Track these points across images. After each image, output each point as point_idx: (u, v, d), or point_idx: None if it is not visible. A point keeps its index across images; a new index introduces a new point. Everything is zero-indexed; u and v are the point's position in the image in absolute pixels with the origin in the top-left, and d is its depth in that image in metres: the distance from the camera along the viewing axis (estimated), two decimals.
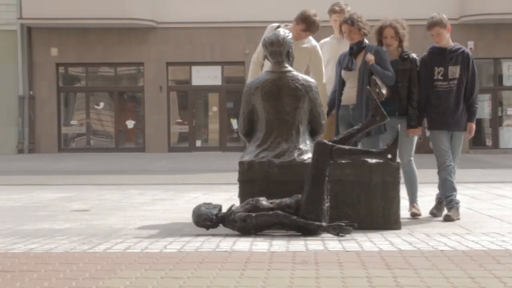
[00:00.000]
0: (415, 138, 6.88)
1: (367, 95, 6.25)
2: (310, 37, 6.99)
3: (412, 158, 6.83)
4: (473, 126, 6.97)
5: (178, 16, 23.34)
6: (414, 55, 6.72)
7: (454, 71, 6.69)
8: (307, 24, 6.74)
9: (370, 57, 6.53)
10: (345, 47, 6.87)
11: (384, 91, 6.47)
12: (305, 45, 6.86)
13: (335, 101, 6.80)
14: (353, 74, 6.63)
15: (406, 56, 6.68)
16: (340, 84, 6.76)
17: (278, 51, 6.04)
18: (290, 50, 6.11)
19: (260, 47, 6.70)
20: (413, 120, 6.71)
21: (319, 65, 6.94)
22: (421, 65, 6.73)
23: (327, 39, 7.41)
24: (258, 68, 6.88)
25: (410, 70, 6.63)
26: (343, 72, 6.70)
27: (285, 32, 6.15)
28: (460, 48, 6.83)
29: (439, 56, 6.76)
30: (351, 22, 6.61)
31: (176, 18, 23.42)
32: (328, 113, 6.79)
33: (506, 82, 24.48)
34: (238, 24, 23.20)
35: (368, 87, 6.33)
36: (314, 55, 6.92)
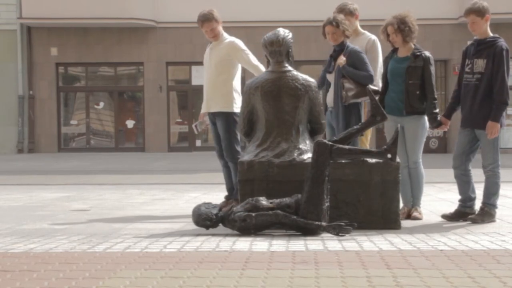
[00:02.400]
0: (424, 139, 6.64)
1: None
2: (225, 34, 7.30)
3: (419, 160, 6.61)
4: (494, 124, 6.40)
5: (178, 16, 23.32)
6: (426, 53, 6.48)
7: (480, 64, 6.27)
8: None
9: (340, 60, 6.61)
10: (360, 44, 6.92)
11: (350, 94, 6.54)
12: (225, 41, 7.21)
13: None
14: (332, 76, 6.75)
15: (418, 54, 6.47)
16: (327, 86, 6.88)
17: (278, 50, 6.04)
18: (290, 50, 6.12)
19: None
20: (432, 122, 6.40)
21: (245, 57, 7.09)
22: (462, 57, 6.50)
23: None
24: None
25: (423, 68, 6.41)
26: (327, 75, 6.83)
27: (285, 32, 6.16)
28: (493, 41, 6.31)
29: (472, 47, 6.43)
30: (336, 24, 6.68)
31: (176, 18, 23.41)
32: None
33: None
34: (238, 24, 23.19)
35: (368, 87, 6.34)
36: (232, 50, 7.14)
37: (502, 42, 6.29)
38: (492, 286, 3.48)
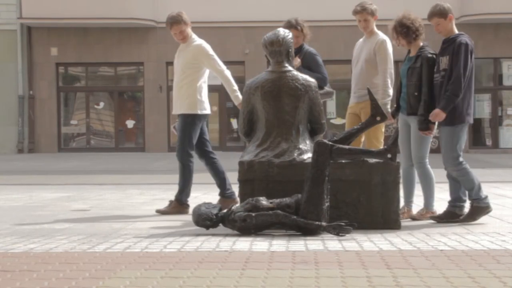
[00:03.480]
0: (428, 139, 6.38)
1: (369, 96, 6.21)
2: (194, 36, 7.32)
3: (423, 161, 6.36)
4: (439, 112, 6.11)
5: None
6: (426, 52, 6.43)
7: (444, 61, 6.30)
8: None
9: (295, 62, 6.68)
10: (369, 45, 6.94)
11: None
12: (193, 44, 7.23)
13: None
14: None
15: (419, 54, 6.46)
16: None
17: (278, 50, 6.04)
18: (290, 50, 6.12)
19: None
20: (421, 123, 6.23)
21: (210, 62, 7.16)
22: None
23: (360, 40, 7.26)
24: None
25: (421, 68, 6.38)
26: None
27: (285, 32, 6.16)
28: (455, 37, 6.32)
29: (441, 46, 6.47)
30: (295, 27, 6.81)
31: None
32: None
33: (506, 82, 24.48)
34: (238, 24, 23.20)
35: (367, 87, 6.34)
36: (198, 53, 7.18)
37: (463, 37, 6.29)
38: (492, 286, 3.48)
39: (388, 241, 5.03)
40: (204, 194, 9.07)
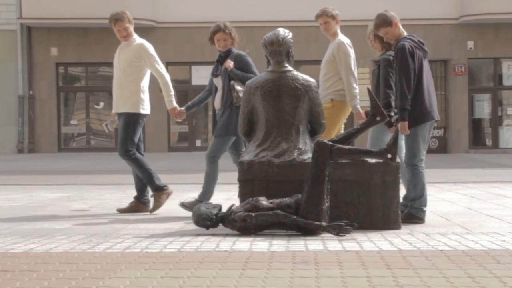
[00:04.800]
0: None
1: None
2: (136, 36, 7.41)
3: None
4: (401, 124, 6.16)
5: (178, 16, 23.33)
6: (386, 56, 6.59)
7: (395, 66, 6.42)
8: None
9: (228, 64, 6.88)
10: (330, 48, 7.14)
11: (242, 95, 6.65)
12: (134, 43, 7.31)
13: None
14: (219, 80, 6.99)
15: (380, 58, 6.67)
16: (214, 90, 7.15)
17: (278, 50, 6.04)
18: (290, 50, 6.12)
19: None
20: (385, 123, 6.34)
21: (152, 62, 7.25)
22: None
23: None
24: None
25: (378, 69, 6.59)
26: (213, 79, 7.10)
27: (285, 32, 6.16)
28: (398, 42, 6.36)
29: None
30: (223, 30, 7.00)
31: (176, 18, 23.41)
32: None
33: (506, 82, 24.49)
34: (238, 24, 23.11)
35: (367, 87, 6.35)
36: (141, 52, 7.25)
37: (401, 42, 6.28)
38: (492, 286, 3.48)
39: (388, 241, 5.03)
40: None
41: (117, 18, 7.35)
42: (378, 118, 5.93)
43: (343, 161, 5.68)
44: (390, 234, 5.41)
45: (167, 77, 7.27)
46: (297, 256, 4.36)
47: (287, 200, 5.50)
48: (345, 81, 7.08)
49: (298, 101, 5.99)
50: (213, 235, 5.41)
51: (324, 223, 5.33)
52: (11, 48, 23.38)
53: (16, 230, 5.98)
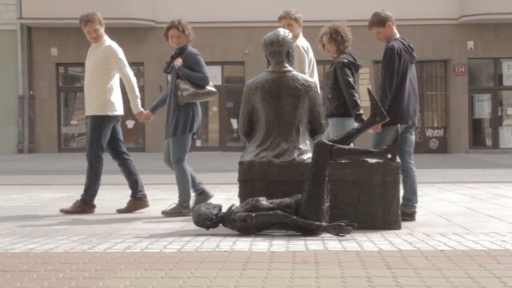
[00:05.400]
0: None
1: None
2: (106, 37, 7.51)
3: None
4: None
5: (178, 16, 23.20)
6: (340, 58, 6.69)
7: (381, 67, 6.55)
8: None
9: (177, 62, 6.96)
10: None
11: (185, 94, 6.86)
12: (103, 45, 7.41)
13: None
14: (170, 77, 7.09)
15: (334, 60, 6.81)
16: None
17: (278, 50, 6.04)
18: (290, 50, 6.12)
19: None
20: (358, 122, 6.46)
21: (120, 65, 7.30)
22: None
23: None
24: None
25: (334, 72, 6.69)
26: (169, 76, 7.17)
27: (285, 32, 6.17)
28: (389, 42, 6.53)
29: None
30: (177, 27, 7.06)
31: (176, 18, 23.41)
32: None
33: (506, 82, 24.49)
34: (238, 24, 23.19)
35: (367, 87, 6.36)
36: (110, 55, 7.33)
37: (391, 42, 6.49)
38: (492, 286, 3.48)
39: (388, 241, 5.03)
40: None
41: (87, 19, 7.38)
42: (378, 118, 5.93)
43: (343, 161, 5.68)
44: (390, 234, 5.41)
45: (134, 81, 7.31)
46: (297, 256, 4.36)
47: (287, 200, 5.50)
48: None
49: (298, 101, 5.99)
50: (213, 235, 5.41)
51: (324, 223, 5.33)
52: (11, 48, 23.38)
53: (16, 230, 5.98)
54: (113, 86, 7.34)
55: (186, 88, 6.89)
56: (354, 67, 6.67)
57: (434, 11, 23.41)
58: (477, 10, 23.15)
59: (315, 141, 5.66)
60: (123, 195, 9.19)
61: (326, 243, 4.93)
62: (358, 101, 6.49)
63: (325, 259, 4.26)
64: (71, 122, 24.35)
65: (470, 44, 23.75)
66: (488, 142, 24.22)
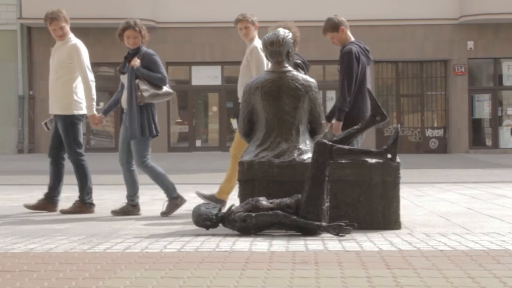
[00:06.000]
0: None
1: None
2: (71, 35, 7.43)
3: None
4: (335, 124, 6.63)
5: (178, 16, 23.34)
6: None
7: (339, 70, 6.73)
8: None
9: (135, 62, 6.96)
10: (246, 53, 7.27)
11: (146, 94, 6.88)
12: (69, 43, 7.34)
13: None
14: (126, 78, 7.09)
15: None
16: (121, 87, 7.26)
17: (278, 51, 6.04)
18: (290, 50, 6.12)
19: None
20: None
21: (82, 65, 7.27)
22: None
23: None
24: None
25: None
26: (121, 76, 7.17)
27: (285, 32, 6.16)
28: (343, 47, 6.68)
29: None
30: (133, 27, 7.05)
31: (176, 18, 23.41)
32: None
33: (506, 82, 24.50)
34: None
35: (367, 87, 6.36)
36: (74, 53, 7.28)
37: (348, 46, 6.64)
38: (492, 286, 3.48)
39: (388, 241, 5.03)
40: None
41: (53, 17, 7.37)
42: (378, 118, 5.93)
43: (343, 161, 5.68)
44: (390, 234, 5.41)
45: (92, 84, 7.33)
46: (297, 256, 4.36)
47: (287, 200, 5.50)
48: None
49: (298, 101, 5.99)
50: (213, 235, 5.41)
51: (324, 223, 5.33)
52: (11, 48, 23.38)
53: (16, 230, 5.98)
54: (78, 85, 7.37)
55: (146, 89, 6.92)
56: (306, 67, 6.83)
57: (434, 11, 23.41)
58: (477, 10, 23.16)
59: (315, 141, 5.66)
60: (123, 195, 9.17)
61: (326, 243, 4.93)
62: None
63: (325, 259, 4.26)
64: None
65: (470, 44, 23.75)
66: (488, 142, 24.22)
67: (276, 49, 6.04)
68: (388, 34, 22.81)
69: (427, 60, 24.08)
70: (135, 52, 7.09)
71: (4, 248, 4.84)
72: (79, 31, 24.87)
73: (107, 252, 4.63)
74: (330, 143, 5.55)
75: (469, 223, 6.15)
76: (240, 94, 7.28)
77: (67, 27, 7.40)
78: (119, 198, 8.82)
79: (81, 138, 7.39)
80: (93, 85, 7.31)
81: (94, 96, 7.29)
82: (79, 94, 7.36)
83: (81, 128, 7.42)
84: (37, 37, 23.54)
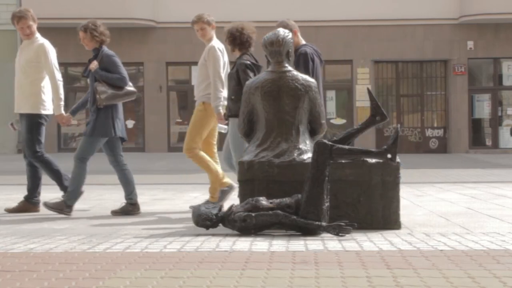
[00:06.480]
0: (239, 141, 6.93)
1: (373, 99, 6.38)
2: (38, 35, 7.57)
3: (232, 161, 7.03)
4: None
5: (178, 16, 23.34)
6: (243, 60, 6.95)
7: None
8: None
9: (92, 65, 7.11)
10: (203, 53, 7.40)
11: (103, 96, 6.96)
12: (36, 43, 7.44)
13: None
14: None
15: (236, 61, 7.04)
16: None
17: (278, 50, 6.04)
18: (290, 50, 6.12)
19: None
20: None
21: (49, 65, 7.37)
22: None
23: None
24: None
25: (237, 73, 6.92)
26: (88, 79, 7.24)
27: (285, 32, 6.16)
28: (298, 49, 6.81)
29: None
30: (84, 29, 7.16)
31: (176, 18, 23.41)
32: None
33: (506, 82, 24.51)
34: None
35: (367, 87, 6.37)
36: (41, 53, 7.37)
37: (303, 48, 6.81)
38: (492, 286, 3.48)
39: (388, 241, 5.03)
40: (204, 194, 9.07)
41: (20, 16, 7.44)
42: (378, 118, 5.93)
43: (343, 161, 5.68)
44: (390, 234, 5.41)
45: (60, 83, 7.37)
46: (297, 256, 4.36)
47: (287, 200, 5.50)
48: (212, 84, 7.29)
49: (298, 101, 5.99)
50: (213, 235, 5.41)
51: (324, 223, 5.33)
52: (11, 48, 23.36)
53: (16, 230, 5.98)
54: (46, 85, 7.38)
55: (104, 91, 6.97)
56: (256, 68, 6.91)
57: (434, 11, 23.41)
58: (477, 10, 23.17)
59: (315, 141, 5.66)
60: (123, 195, 9.18)
61: (326, 243, 4.93)
62: None
63: (325, 259, 4.26)
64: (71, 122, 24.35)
65: (470, 44, 23.76)
66: (488, 142, 24.23)
67: (276, 49, 6.04)
68: (388, 34, 22.81)
69: (427, 60, 24.08)
70: (96, 54, 7.18)
71: (4, 248, 4.84)
72: None
73: (107, 252, 4.63)
74: (330, 143, 5.55)
75: (469, 223, 6.15)
76: (196, 92, 7.49)
77: (35, 26, 7.49)
78: (119, 198, 8.82)
79: (43, 138, 7.40)
80: (60, 84, 7.34)
81: (62, 96, 7.34)
82: (47, 94, 7.38)
83: (44, 129, 7.43)
84: None
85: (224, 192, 7.33)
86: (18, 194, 9.38)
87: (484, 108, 24.30)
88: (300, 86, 6.00)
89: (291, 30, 6.67)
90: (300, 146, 5.91)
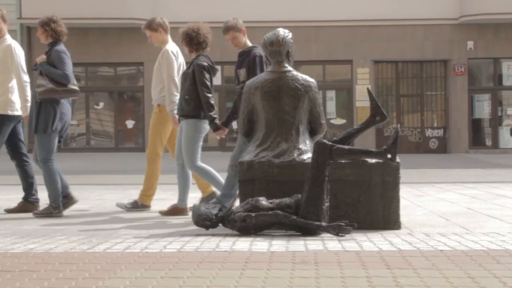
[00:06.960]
0: (193, 142, 6.93)
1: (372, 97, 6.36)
2: (7, 36, 7.64)
3: (191, 163, 6.96)
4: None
5: (178, 16, 23.30)
6: (199, 61, 6.85)
7: (242, 73, 6.74)
8: None
9: (38, 58, 7.12)
10: (159, 56, 7.37)
11: (40, 90, 6.89)
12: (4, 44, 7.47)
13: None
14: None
15: (192, 61, 6.93)
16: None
17: (278, 50, 6.04)
18: (290, 50, 6.12)
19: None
20: (210, 125, 6.98)
21: (15, 66, 7.36)
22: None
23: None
24: None
25: (193, 73, 6.85)
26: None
27: (284, 32, 6.16)
28: (249, 50, 6.75)
29: (238, 59, 6.92)
30: (39, 23, 7.30)
31: (176, 18, 23.33)
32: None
33: (506, 82, 24.51)
34: None
35: (367, 87, 6.36)
36: (8, 53, 7.42)
37: (257, 50, 6.75)
38: (492, 286, 3.48)
39: (388, 241, 5.03)
40: None
41: None
42: (378, 118, 5.93)
43: (343, 161, 5.68)
44: (390, 234, 5.41)
45: (26, 85, 7.34)
46: (297, 256, 4.36)
47: (287, 200, 5.50)
48: (166, 87, 7.28)
49: (298, 101, 5.99)
50: (213, 235, 5.41)
51: (324, 223, 5.33)
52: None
53: (16, 230, 5.98)
54: (14, 86, 7.38)
55: (42, 84, 6.93)
56: (212, 70, 6.90)
57: (434, 11, 23.41)
58: (477, 10, 23.16)
59: (315, 141, 5.66)
60: (123, 195, 9.19)
61: (326, 243, 4.93)
62: (214, 104, 6.87)
63: (325, 259, 4.26)
64: (71, 122, 24.36)
65: (470, 44, 23.76)
66: (488, 142, 24.23)
67: (276, 49, 6.04)
68: (388, 34, 22.81)
69: (427, 60, 24.08)
70: (50, 48, 7.23)
71: (4, 248, 4.84)
72: (79, 31, 24.96)
73: (107, 252, 4.63)
74: (330, 143, 5.55)
75: (469, 223, 6.15)
76: (153, 94, 7.48)
77: (4, 26, 7.50)
78: (119, 198, 8.83)
79: (4, 141, 7.40)
80: (27, 86, 7.33)
81: (29, 98, 7.32)
82: (15, 95, 7.38)
83: (9, 131, 7.41)
84: (37, 37, 23.42)
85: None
86: (18, 194, 9.38)
87: (484, 108, 24.30)
88: (300, 86, 6.00)
89: (241, 29, 6.72)
90: (300, 146, 5.91)
